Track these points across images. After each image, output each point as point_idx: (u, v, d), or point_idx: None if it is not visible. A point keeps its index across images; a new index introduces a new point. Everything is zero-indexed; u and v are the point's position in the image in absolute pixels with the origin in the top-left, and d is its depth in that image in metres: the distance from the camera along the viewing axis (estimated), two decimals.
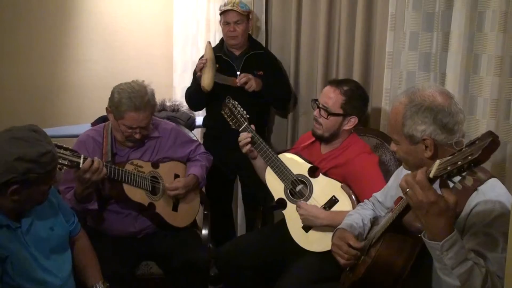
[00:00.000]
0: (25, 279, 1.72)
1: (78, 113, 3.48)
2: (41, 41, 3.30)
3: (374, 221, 1.96)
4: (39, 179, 1.66)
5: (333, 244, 1.85)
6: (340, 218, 2.12)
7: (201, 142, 3.01)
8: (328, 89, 2.32)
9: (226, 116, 2.48)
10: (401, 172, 1.88)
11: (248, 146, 2.40)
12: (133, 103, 2.27)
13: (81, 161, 2.13)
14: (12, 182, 1.62)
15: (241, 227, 3.43)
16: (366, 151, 2.32)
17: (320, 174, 2.32)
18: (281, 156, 2.40)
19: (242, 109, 2.45)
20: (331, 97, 2.29)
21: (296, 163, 2.36)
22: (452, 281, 1.38)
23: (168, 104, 3.32)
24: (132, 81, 2.36)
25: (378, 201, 2.02)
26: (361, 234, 1.90)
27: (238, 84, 2.87)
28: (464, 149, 1.25)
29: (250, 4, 3.19)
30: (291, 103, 3.19)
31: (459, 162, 1.22)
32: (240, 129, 2.43)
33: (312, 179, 2.32)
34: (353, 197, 2.22)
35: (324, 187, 2.29)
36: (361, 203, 2.07)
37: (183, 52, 3.60)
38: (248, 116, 2.45)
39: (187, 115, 3.26)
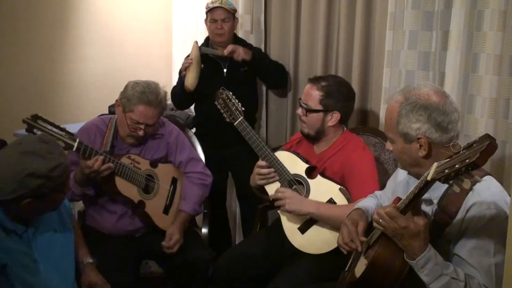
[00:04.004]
0: (26, 287, 1.70)
1: (77, 112, 3.47)
2: (40, 40, 3.29)
3: None
4: (52, 191, 1.64)
5: (343, 224, 1.83)
6: (326, 207, 2.17)
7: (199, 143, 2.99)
8: (308, 86, 2.31)
9: (220, 108, 2.40)
10: (398, 174, 1.88)
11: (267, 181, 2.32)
12: (146, 96, 2.28)
13: (76, 144, 2.13)
14: (24, 197, 1.61)
15: (239, 225, 3.42)
16: (360, 147, 2.30)
17: (318, 175, 2.28)
18: (277, 154, 2.35)
19: (237, 101, 2.38)
20: (310, 94, 2.27)
21: (293, 162, 2.32)
22: None
23: (167, 102, 3.31)
24: (148, 80, 2.38)
25: (380, 201, 2.02)
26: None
27: (226, 54, 2.87)
28: (461, 151, 1.26)
29: (249, 4, 3.19)
30: (290, 101, 3.19)
31: (457, 165, 1.23)
32: (235, 123, 2.36)
33: (309, 180, 2.28)
34: (351, 200, 2.19)
35: (321, 189, 2.25)
36: (371, 195, 2.06)
37: (182, 51, 3.59)
38: (243, 109, 2.38)
39: (186, 114, 3.26)
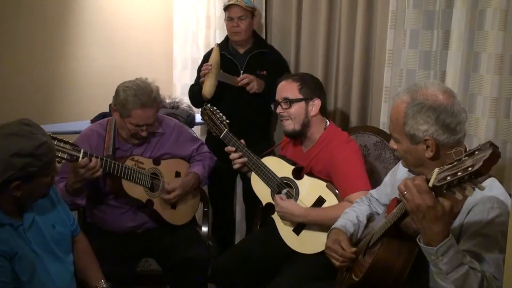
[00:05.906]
0: (31, 278, 1.70)
1: (78, 110, 3.47)
2: (41, 38, 3.30)
3: (370, 217, 1.96)
4: (39, 172, 1.65)
5: (327, 247, 1.84)
6: (314, 214, 2.19)
7: (203, 140, 3.00)
8: (282, 83, 2.36)
9: (206, 123, 2.50)
10: (398, 170, 1.87)
11: (240, 164, 2.40)
12: (140, 100, 2.25)
13: (81, 155, 2.12)
14: (12, 179, 1.61)
15: (240, 223, 3.43)
16: (344, 141, 2.31)
17: (305, 175, 2.30)
18: (264, 160, 2.38)
19: (221, 114, 2.47)
20: (287, 87, 2.32)
21: (280, 166, 2.35)
22: (447, 286, 1.37)
23: (167, 101, 3.31)
24: (136, 78, 2.35)
25: (375, 197, 2.01)
26: (356, 232, 1.90)
27: (239, 84, 2.86)
28: (463, 158, 1.23)
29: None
30: None
31: (459, 173, 1.20)
32: (221, 136, 2.43)
33: (297, 181, 2.30)
34: (339, 194, 2.21)
35: (309, 188, 2.27)
36: (357, 200, 2.06)
37: (183, 49, 3.60)
38: (228, 121, 2.45)
39: (187, 112, 3.25)
